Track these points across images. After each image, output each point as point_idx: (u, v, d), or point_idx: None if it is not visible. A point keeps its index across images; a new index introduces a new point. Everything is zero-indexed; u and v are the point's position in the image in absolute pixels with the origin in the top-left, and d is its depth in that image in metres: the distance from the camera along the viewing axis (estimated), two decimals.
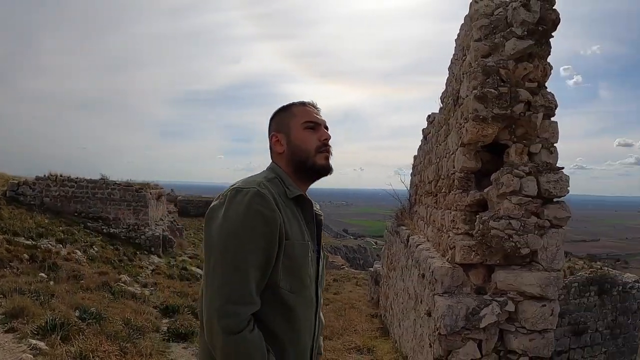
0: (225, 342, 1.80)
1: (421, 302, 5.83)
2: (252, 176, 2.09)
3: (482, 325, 4.28)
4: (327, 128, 2.23)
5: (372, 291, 15.16)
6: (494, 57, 4.52)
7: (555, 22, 4.43)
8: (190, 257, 21.53)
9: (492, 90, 4.38)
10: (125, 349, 6.50)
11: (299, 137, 2.16)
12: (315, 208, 2.20)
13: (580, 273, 14.31)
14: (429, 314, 5.01)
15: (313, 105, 2.24)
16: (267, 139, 2.25)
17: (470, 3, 4.87)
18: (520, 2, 4.41)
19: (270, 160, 2.24)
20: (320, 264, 2.22)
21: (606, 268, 16.09)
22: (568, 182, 4.37)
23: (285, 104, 2.26)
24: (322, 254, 2.24)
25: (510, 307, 4.32)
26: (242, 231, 1.85)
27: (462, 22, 5.36)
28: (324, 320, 2.39)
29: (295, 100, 2.27)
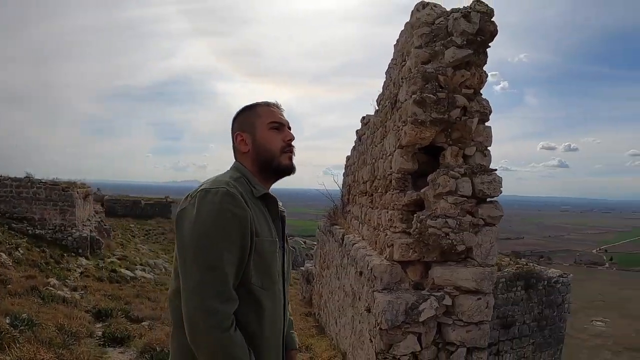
0: (213, 340, 1.85)
1: (359, 299, 5.96)
2: (218, 176, 2.13)
3: (421, 319, 4.48)
4: (290, 128, 2.29)
5: (303, 290, 15.25)
6: (433, 64, 4.72)
7: (493, 33, 4.68)
8: (119, 259, 20.97)
9: (431, 96, 4.58)
10: (62, 356, 6.28)
11: (264, 137, 2.21)
12: (279, 205, 2.26)
13: (507, 269, 14.93)
14: (368, 310, 5.15)
15: (277, 106, 2.29)
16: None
17: (412, 11, 5.06)
18: (461, 13, 4.63)
19: (234, 159, 2.28)
20: (286, 259, 2.29)
21: (531, 264, 16.86)
22: (501, 183, 4.65)
23: (249, 104, 2.30)
24: (286, 249, 2.30)
25: (448, 301, 4.55)
26: (215, 230, 1.89)
27: (402, 28, 5.54)
28: (291, 317, 2.48)
29: (260, 100, 2.30)
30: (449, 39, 4.67)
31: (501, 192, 4.66)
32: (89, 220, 23.58)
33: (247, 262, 1.99)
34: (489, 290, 4.61)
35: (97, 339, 7.91)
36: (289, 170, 2.26)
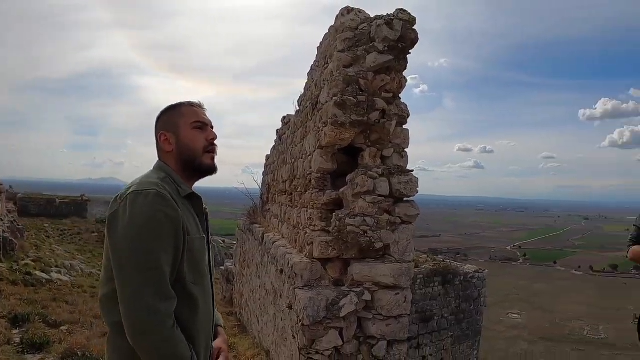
0: (157, 339, 1.89)
1: (281, 296, 6.03)
2: (144, 177, 2.14)
3: (342, 315, 4.61)
4: (212, 127, 2.34)
5: (224, 289, 15.15)
6: (355, 67, 4.86)
7: (414, 41, 4.88)
8: (33, 261, 20.04)
9: (351, 98, 4.73)
10: None
11: (188, 136, 2.24)
12: (203, 203, 2.31)
13: (424, 266, 15.39)
14: (290, 307, 5.23)
15: (200, 106, 2.33)
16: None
17: (337, 16, 5.19)
18: (384, 20, 4.79)
19: (157, 159, 2.30)
20: (211, 254, 2.35)
21: (448, 261, 17.45)
22: (417, 183, 4.86)
23: (173, 104, 2.33)
24: (211, 245, 2.36)
25: (367, 296, 4.70)
26: (150, 232, 1.93)
27: (327, 31, 5.64)
28: (220, 317, 2.52)
29: (184, 100, 2.34)
30: (371, 44, 4.83)
31: (417, 192, 4.87)
32: (1, 220, 22.51)
33: (180, 260, 2.03)
34: (407, 286, 4.80)
35: (15, 346, 7.59)
36: (212, 170, 2.31)
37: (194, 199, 2.24)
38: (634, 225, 3.90)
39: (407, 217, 4.82)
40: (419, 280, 14.29)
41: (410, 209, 4.84)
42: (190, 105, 2.32)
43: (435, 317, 14.91)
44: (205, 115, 2.33)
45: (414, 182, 4.85)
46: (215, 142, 2.32)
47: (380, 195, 4.73)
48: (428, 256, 18.37)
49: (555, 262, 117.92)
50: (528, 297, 74.50)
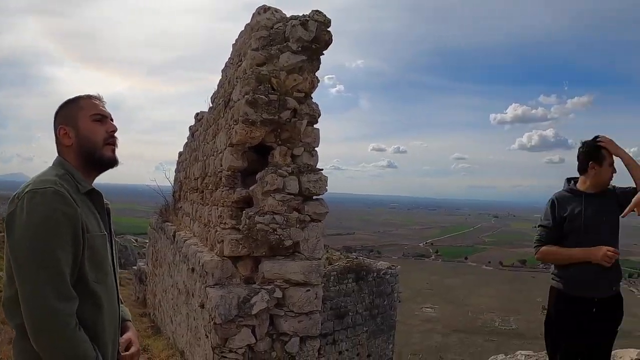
0: (59, 340, 1.85)
1: (193, 295, 5.97)
2: (41, 175, 2.09)
3: (253, 312, 4.63)
4: (112, 120, 2.30)
5: (137, 290, 14.75)
6: (268, 66, 4.89)
7: (327, 42, 4.96)
8: None
9: (263, 97, 4.75)
10: None
11: (87, 129, 2.20)
12: (104, 199, 2.27)
13: (338, 263, 15.57)
14: (202, 306, 5.20)
15: (99, 98, 2.29)
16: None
17: (253, 14, 5.20)
18: (299, 20, 4.85)
19: (57, 154, 2.24)
20: (115, 251, 2.31)
21: (361, 258, 17.76)
22: (326, 182, 4.96)
23: (71, 97, 2.28)
24: (114, 242, 2.32)
25: (278, 293, 4.75)
26: (48, 232, 1.89)
27: (243, 29, 5.64)
28: (128, 312, 2.48)
29: (82, 94, 2.29)
30: (285, 44, 4.87)
31: (326, 191, 4.97)
32: None
33: (81, 259, 2.00)
34: (317, 282, 4.88)
35: None
36: (112, 162, 2.27)
37: (94, 195, 2.20)
38: (539, 225, 3.97)
39: (317, 215, 4.91)
40: (332, 277, 14.44)
41: (320, 207, 4.93)
42: (88, 97, 2.27)
43: (350, 313, 15.08)
44: (105, 108, 2.29)
45: (323, 181, 4.95)
46: (116, 134, 2.28)
47: (289, 194, 4.79)
48: (341, 253, 18.62)
49: (466, 258, 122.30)
50: (441, 291, 76.86)
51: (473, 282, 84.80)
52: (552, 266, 3.98)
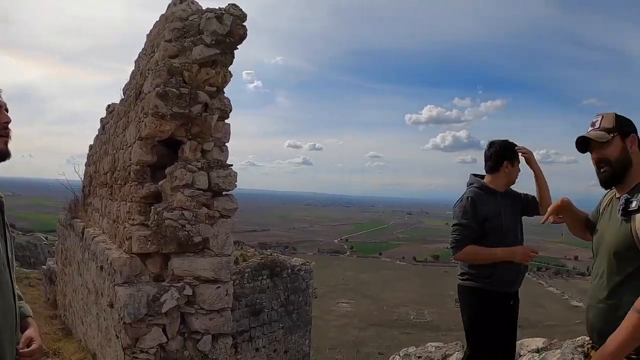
0: None
1: (102, 295, 5.79)
2: None
3: (163, 311, 4.53)
4: (7, 110, 2.20)
5: (47, 291, 14.07)
6: (180, 59, 4.78)
7: (242, 36, 4.90)
8: None
9: (174, 90, 4.65)
10: None
11: None
12: None
13: (252, 259, 15.56)
14: (111, 306, 5.06)
15: None
16: None
17: (169, 4, 5.08)
18: (215, 13, 4.76)
19: None
20: (9, 246, 2.19)
21: (276, 254, 17.83)
22: (236, 177, 4.92)
23: None
24: (8, 235, 2.20)
25: (188, 291, 4.66)
26: None
27: (158, 19, 5.51)
28: (28, 309, 2.36)
29: None
30: (199, 36, 4.78)
31: (236, 186, 4.93)
32: None
33: None
34: (227, 279, 4.82)
35: None
36: (4, 155, 2.17)
37: None
38: (457, 224, 3.85)
39: (226, 211, 4.86)
40: (247, 274, 14.47)
41: (229, 203, 4.88)
42: None
43: (266, 310, 15.19)
44: (0, 97, 2.18)
45: (232, 177, 4.90)
46: (9, 125, 2.18)
47: (198, 189, 4.72)
48: (256, 250, 18.64)
49: (380, 254, 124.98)
50: (356, 286, 78.14)
51: (387, 277, 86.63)
52: (465, 266, 3.92)
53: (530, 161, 3.99)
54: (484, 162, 4.05)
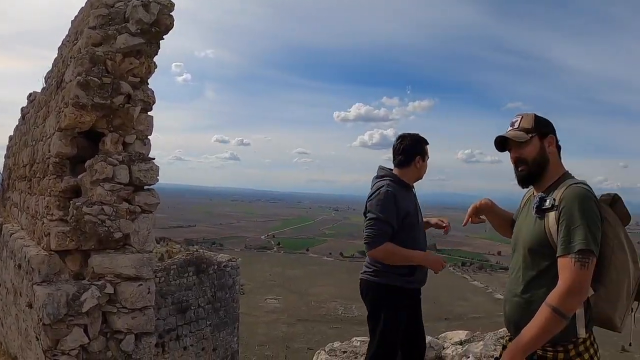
0: None
1: (21, 295, 5.57)
2: None
3: (84, 310, 4.36)
4: None
5: None
6: (104, 47, 4.60)
7: (168, 27, 4.77)
8: None
9: (96, 79, 4.47)
10: None
11: None
12: None
13: (178, 256, 15.31)
14: (30, 306, 4.86)
15: None
16: None
17: None
18: (141, 1, 4.61)
19: None
20: None
21: (202, 250, 17.62)
22: (158, 171, 4.79)
23: None
24: None
25: (110, 289, 4.50)
26: None
27: (84, 5, 5.31)
28: None
29: None
30: (124, 24, 4.62)
31: (157, 180, 4.80)
32: None
33: None
34: (150, 276, 4.71)
35: None
36: None
37: None
38: (373, 218, 3.72)
39: (147, 206, 4.73)
40: (173, 271, 14.27)
41: (150, 198, 4.75)
42: None
43: (192, 307, 15.02)
44: None
45: (154, 170, 4.77)
46: None
47: (119, 183, 4.56)
48: (182, 246, 18.37)
49: (307, 250, 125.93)
50: (284, 282, 78.44)
51: (315, 272, 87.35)
52: (378, 263, 3.83)
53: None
54: (393, 156, 4.01)
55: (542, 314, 2.29)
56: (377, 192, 3.79)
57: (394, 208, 3.72)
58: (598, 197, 2.47)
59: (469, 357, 4.85)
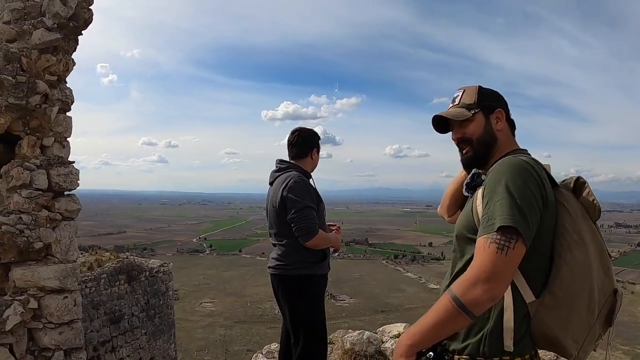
0: None
1: None
2: None
3: (8, 328, 4.05)
4: None
5: None
6: (19, 43, 4.33)
7: (87, 21, 4.56)
8: None
9: (10, 78, 4.19)
10: None
11: None
12: None
13: (107, 264, 14.84)
14: None
15: None
16: None
17: None
18: None
19: None
20: None
21: (133, 257, 17.17)
22: (78, 175, 4.54)
23: None
24: None
25: (33, 304, 4.22)
26: None
27: None
28: None
29: None
30: (40, 19, 4.35)
31: (78, 185, 4.58)
32: None
33: None
34: (75, 287, 4.45)
35: None
36: None
37: None
38: (307, 207, 3.71)
39: (69, 213, 4.46)
40: (103, 280, 13.85)
41: (71, 204, 4.48)
42: None
43: (126, 317, 14.64)
44: None
45: (74, 174, 4.52)
46: None
47: (37, 189, 4.27)
48: (112, 254, 17.87)
49: (240, 251, 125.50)
50: (219, 285, 77.87)
51: (249, 273, 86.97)
52: (287, 255, 3.90)
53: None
54: (288, 148, 4.12)
55: (441, 301, 1.83)
56: (293, 182, 3.81)
57: (315, 197, 3.86)
58: (558, 183, 2.05)
59: None
